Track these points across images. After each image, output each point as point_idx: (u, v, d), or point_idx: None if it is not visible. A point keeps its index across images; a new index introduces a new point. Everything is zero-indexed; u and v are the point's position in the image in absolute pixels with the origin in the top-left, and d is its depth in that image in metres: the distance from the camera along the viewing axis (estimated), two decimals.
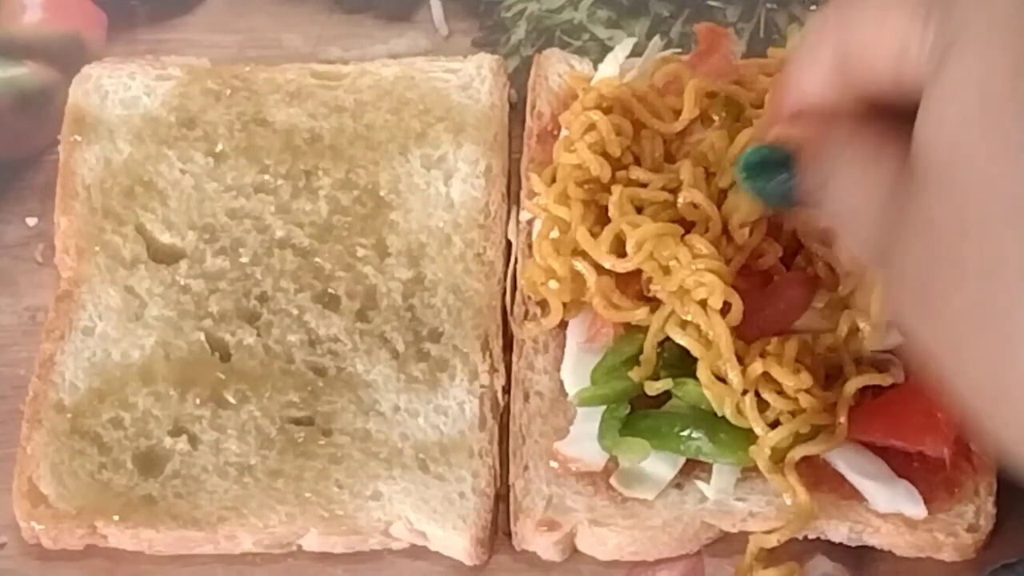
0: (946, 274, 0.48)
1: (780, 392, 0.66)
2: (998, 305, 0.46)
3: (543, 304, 0.71)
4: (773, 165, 0.58)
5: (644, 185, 0.70)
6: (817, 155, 0.56)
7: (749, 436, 0.66)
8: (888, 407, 0.66)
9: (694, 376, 0.66)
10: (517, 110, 0.78)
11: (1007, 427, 0.47)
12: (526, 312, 0.72)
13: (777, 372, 0.65)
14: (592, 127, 0.71)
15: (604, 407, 0.68)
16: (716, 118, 0.72)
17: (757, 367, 0.65)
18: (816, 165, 0.56)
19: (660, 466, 0.67)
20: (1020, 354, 0.45)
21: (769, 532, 0.66)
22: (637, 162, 0.71)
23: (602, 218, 0.69)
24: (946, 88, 0.49)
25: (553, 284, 0.70)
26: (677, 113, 0.72)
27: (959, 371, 0.49)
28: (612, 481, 0.67)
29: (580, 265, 0.69)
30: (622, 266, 0.68)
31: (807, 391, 0.65)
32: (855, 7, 0.55)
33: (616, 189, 0.69)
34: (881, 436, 0.66)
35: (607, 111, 0.71)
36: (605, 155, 0.70)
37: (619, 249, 0.68)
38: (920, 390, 0.65)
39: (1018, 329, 0.45)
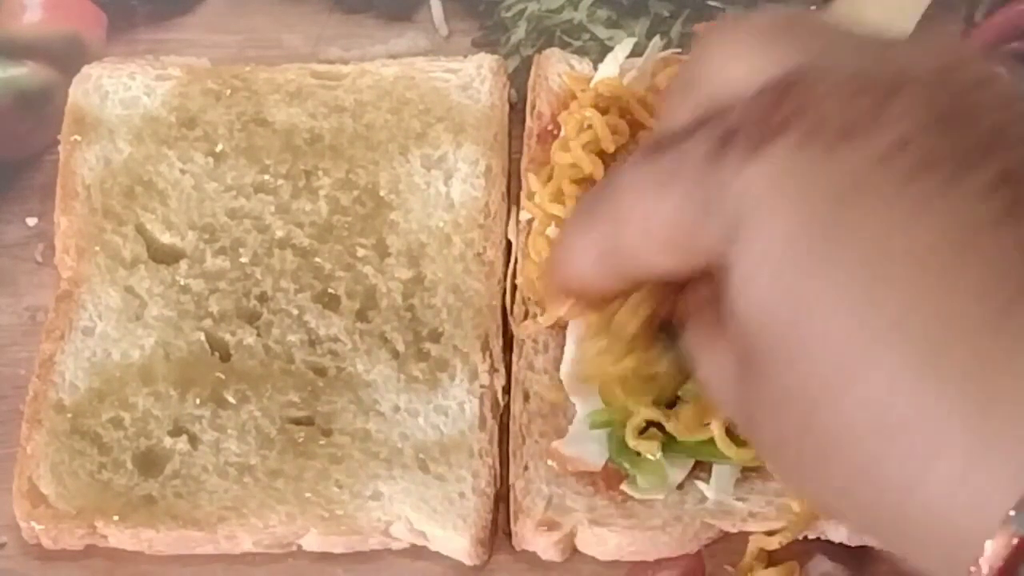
0: (802, 455, 0.47)
1: None
2: (863, 479, 0.45)
3: (542, 303, 0.71)
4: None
5: None
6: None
7: None
8: None
9: None
10: (517, 110, 0.78)
11: (915, 559, 0.46)
12: (526, 312, 0.72)
13: None
14: (587, 126, 0.71)
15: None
16: None
17: None
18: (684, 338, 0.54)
19: (672, 468, 0.67)
20: (915, 498, 0.44)
21: (770, 533, 0.66)
22: None
23: None
24: (740, 279, 0.47)
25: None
26: None
27: (853, 521, 0.49)
28: (623, 487, 0.67)
29: None
30: None
31: None
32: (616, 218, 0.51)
33: None
34: None
35: (604, 111, 0.71)
36: (601, 154, 0.70)
37: None
38: None
39: (911, 483, 0.44)
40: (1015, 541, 0.42)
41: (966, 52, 0.49)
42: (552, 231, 0.70)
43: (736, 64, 0.50)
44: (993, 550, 0.42)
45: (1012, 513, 0.42)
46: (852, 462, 0.45)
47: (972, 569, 0.43)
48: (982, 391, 0.43)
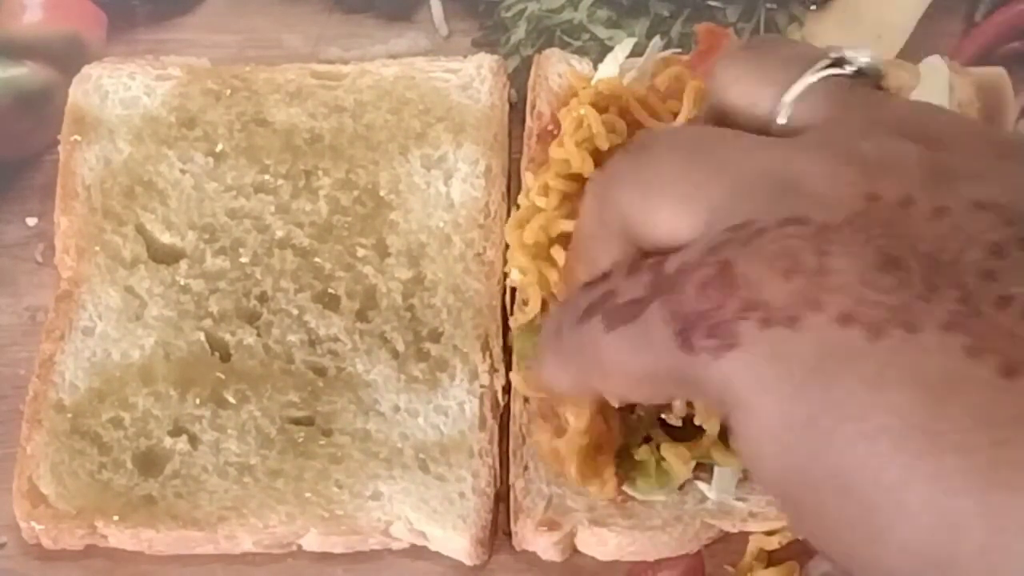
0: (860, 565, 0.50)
1: None
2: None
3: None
4: None
5: None
6: None
7: None
8: None
9: None
10: (517, 110, 0.78)
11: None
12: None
13: None
14: (582, 123, 0.71)
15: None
16: None
17: None
18: None
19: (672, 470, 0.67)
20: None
21: (770, 533, 0.66)
22: None
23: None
24: (748, 443, 0.50)
25: (515, 274, 0.70)
26: (676, 115, 0.72)
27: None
28: (625, 488, 0.67)
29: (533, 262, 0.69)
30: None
31: None
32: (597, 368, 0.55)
33: None
34: None
35: (603, 109, 0.71)
36: (595, 152, 0.70)
37: None
38: None
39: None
40: None
41: (857, 169, 0.51)
42: (537, 223, 0.70)
43: (659, 212, 0.54)
44: None
45: None
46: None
47: None
48: (995, 531, 0.45)
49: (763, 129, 0.55)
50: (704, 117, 0.59)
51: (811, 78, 0.55)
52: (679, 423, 0.66)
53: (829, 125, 0.54)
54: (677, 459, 0.66)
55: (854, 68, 0.56)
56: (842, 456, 0.47)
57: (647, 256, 0.54)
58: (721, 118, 0.57)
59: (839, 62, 0.56)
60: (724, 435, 0.66)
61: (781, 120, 0.55)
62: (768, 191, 0.51)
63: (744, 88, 0.57)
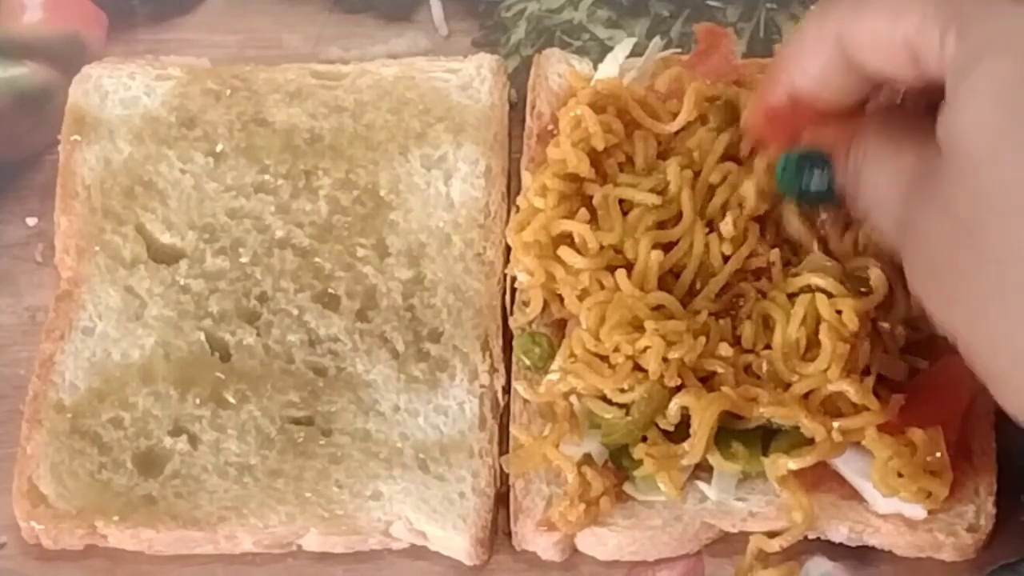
0: (964, 259, 0.55)
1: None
2: (1011, 289, 0.54)
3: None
4: (808, 164, 0.64)
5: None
6: (848, 150, 0.62)
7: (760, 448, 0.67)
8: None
9: None
10: (517, 110, 0.78)
11: (1019, 392, 0.55)
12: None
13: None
14: (579, 123, 0.71)
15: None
16: (711, 119, 0.72)
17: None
18: (848, 159, 0.62)
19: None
20: None
21: (770, 535, 0.66)
22: (630, 162, 0.71)
23: (584, 211, 0.69)
24: (975, 95, 0.55)
25: (522, 277, 0.70)
26: (675, 115, 0.72)
27: (975, 343, 0.56)
28: (625, 488, 0.67)
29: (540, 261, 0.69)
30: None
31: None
32: (865, 4, 0.60)
33: (596, 188, 0.70)
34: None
35: (602, 110, 0.71)
36: (592, 152, 0.70)
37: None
38: (929, 391, 0.66)
39: None
40: None
41: None
42: (537, 223, 0.70)
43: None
44: None
45: None
46: (1006, 278, 0.54)
47: None
48: None
49: None
50: None
51: None
52: (671, 428, 0.66)
53: None
54: (670, 484, 0.66)
55: None
56: None
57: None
58: None
59: None
60: (720, 439, 0.66)
61: None
62: None
63: None
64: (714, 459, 0.66)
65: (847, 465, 0.67)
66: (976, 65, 0.55)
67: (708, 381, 0.67)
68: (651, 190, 0.70)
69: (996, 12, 0.56)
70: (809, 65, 0.62)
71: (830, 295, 0.67)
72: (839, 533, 0.67)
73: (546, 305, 0.70)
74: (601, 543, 0.68)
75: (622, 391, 0.66)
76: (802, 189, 0.65)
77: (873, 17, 0.59)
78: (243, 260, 0.74)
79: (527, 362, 0.70)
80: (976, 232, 0.54)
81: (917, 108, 0.61)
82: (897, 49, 0.59)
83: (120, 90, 0.78)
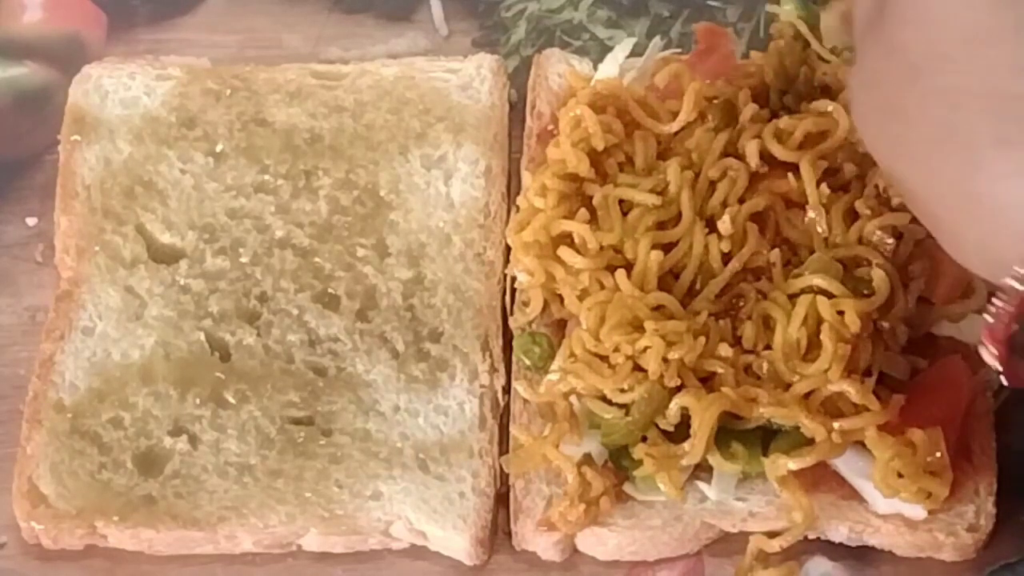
0: (911, 99, 0.54)
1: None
2: (960, 130, 0.53)
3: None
4: None
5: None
6: None
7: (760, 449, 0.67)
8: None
9: None
10: (517, 110, 0.78)
11: (970, 240, 0.53)
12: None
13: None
14: (579, 123, 0.71)
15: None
16: (711, 118, 0.72)
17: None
18: None
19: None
20: (982, 173, 0.52)
21: (770, 535, 0.66)
22: (630, 162, 0.71)
23: (584, 211, 0.69)
24: None
25: (522, 277, 0.70)
26: (675, 115, 0.72)
27: (926, 190, 0.55)
28: (625, 488, 0.67)
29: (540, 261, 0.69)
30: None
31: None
32: None
33: (596, 188, 0.70)
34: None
35: (602, 110, 0.71)
36: (592, 152, 0.70)
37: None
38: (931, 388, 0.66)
39: (979, 151, 0.52)
40: None
41: None
42: (537, 223, 0.70)
43: None
44: None
45: None
46: (945, 118, 0.52)
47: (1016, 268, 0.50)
48: None
49: None
50: None
51: None
52: (671, 428, 0.66)
53: None
54: (670, 484, 0.66)
55: None
56: None
57: None
58: None
59: None
60: (720, 440, 0.66)
61: None
62: None
63: None
64: (714, 459, 0.66)
65: (847, 465, 0.67)
66: None
67: (708, 381, 0.67)
68: (651, 190, 0.70)
69: None
70: None
71: (831, 296, 0.67)
72: (839, 533, 0.67)
73: (546, 305, 0.70)
74: (601, 543, 0.68)
75: (622, 391, 0.66)
76: None
77: None
78: (243, 260, 0.74)
79: (527, 362, 0.70)
80: (925, 71, 0.54)
81: None
82: None
83: (120, 90, 0.78)
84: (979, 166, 0.52)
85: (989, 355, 0.54)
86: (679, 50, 0.77)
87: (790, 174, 0.70)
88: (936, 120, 0.53)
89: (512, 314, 0.72)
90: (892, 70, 0.55)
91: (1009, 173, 0.51)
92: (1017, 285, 0.51)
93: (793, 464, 0.66)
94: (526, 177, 0.72)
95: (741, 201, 0.70)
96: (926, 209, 0.56)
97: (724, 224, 0.69)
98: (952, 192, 0.54)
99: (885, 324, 0.68)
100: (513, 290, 0.72)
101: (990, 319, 0.53)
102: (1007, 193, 0.51)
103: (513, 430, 0.69)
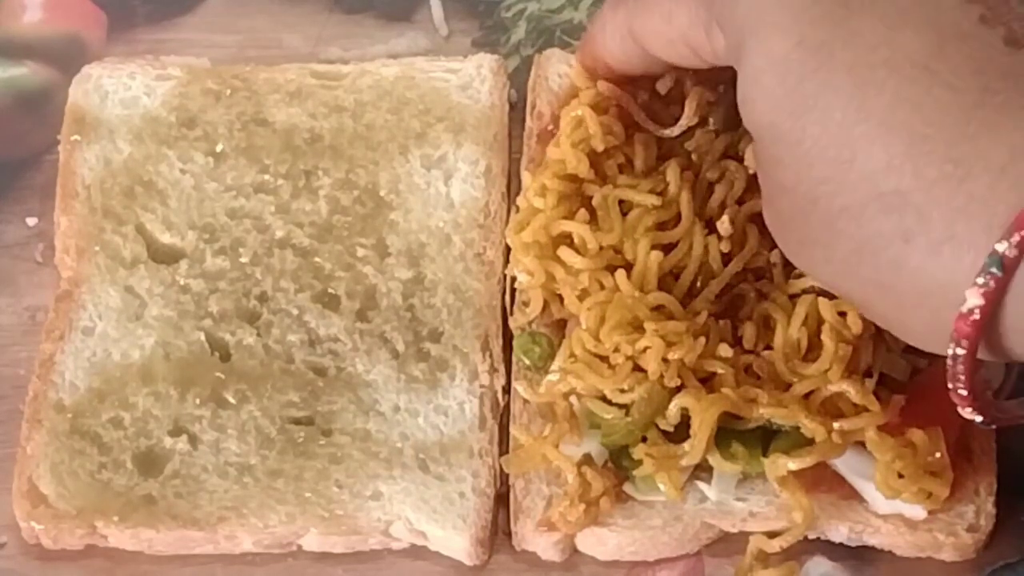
0: (819, 228, 0.57)
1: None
2: (871, 240, 0.55)
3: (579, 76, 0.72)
4: None
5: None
6: None
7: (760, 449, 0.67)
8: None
9: None
10: (517, 110, 0.78)
11: (917, 329, 0.56)
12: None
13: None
14: (580, 124, 0.71)
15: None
16: (711, 121, 0.72)
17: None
18: None
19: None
20: (904, 271, 0.54)
21: (770, 535, 0.66)
22: (630, 163, 0.71)
23: (583, 212, 0.69)
24: (749, 80, 0.57)
25: (522, 278, 0.70)
26: (676, 119, 0.72)
27: (863, 296, 0.58)
28: (625, 488, 0.67)
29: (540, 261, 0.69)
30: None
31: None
32: (645, 3, 0.64)
33: (596, 189, 0.70)
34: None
35: (603, 111, 0.71)
36: (592, 153, 0.70)
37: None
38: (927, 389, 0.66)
39: (894, 252, 0.54)
40: (991, 284, 0.51)
41: None
42: (537, 223, 0.70)
43: None
44: (972, 297, 0.52)
45: (985, 261, 0.51)
46: (853, 234, 0.55)
47: (956, 322, 0.52)
48: (960, 165, 0.51)
49: None
50: None
51: None
52: (671, 428, 0.66)
53: None
54: (670, 484, 0.66)
55: None
56: (837, 79, 0.54)
57: None
58: None
59: None
60: (720, 440, 0.66)
61: None
62: None
63: None
64: (714, 459, 0.66)
65: (847, 465, 0.67)
66: (742, 52, 0.57)
67: (708, 382, 0.67)
68: (650, 191, 0.70)
69: None
70: (612, 47, 0.67)
71: (832, 297, 0.67)
72: (839, 533, 0.67)
73: (546, 305, 0.70)
74: (601, 543, 0.68)
75: (622, 391, 0.66)
76: None
77: (652, 16, 0.63)
78: (243, 260, 0.74)
79: (527, 362, 0.70)
80: (817, 199, 0.56)
81: None
82: (679, 45, 0.63)
83: (120, 90, 0.78)
84: (900, 265, 0.54)
85: (964, 411, 0.58)
86: None
87: None
88: (847, 238, 0.56)
89: (512, 314, 0.72)
90: (792, 206, 0.57)
91: (926, 262, 0.53)
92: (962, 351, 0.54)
93: (793, 464, 0.66)
94: (526, 177, 0.72)
95: (741, 202, 0.70)
96: (869, 311, 0.60)
97: (723, 225, 0.69)
98: (886, 294, 0.56)
99: None
100: (513, 290, 0.72)
101: (953, 384, 0.56)
102: (933, 278, 0.53)
103: (513, 430, 0.69)
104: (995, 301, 0.52)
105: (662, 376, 0.66)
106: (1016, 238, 0.50)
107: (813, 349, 0.66)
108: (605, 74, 0.70)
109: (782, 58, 0.56)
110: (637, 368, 0.66)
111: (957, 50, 0.53)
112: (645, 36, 0.65)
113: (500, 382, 0.71)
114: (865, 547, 0.68)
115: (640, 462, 0.66)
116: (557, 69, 0.78)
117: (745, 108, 0.58)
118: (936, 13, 0.54)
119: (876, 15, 0.54)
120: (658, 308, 0.67)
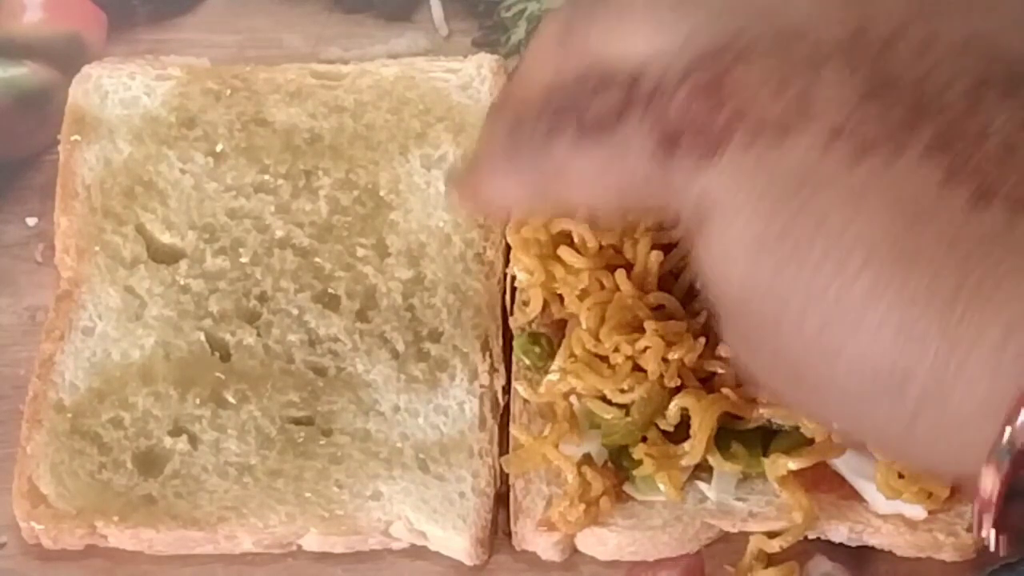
0: (804, 398, 0.54)
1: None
2: (852, 384, 0.51)
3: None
4: None
5: None
6: None
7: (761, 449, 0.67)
8: None
9: None
10: None
11: (934, 460, 0.52)
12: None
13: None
14: None
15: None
16: None
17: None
18: None
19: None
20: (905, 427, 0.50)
21: (770, 535, 0.66)
22: None
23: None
24: (718, 260, 0.52)
25: (522, 276, 0.70)
26: None
27: (859, 429, 0.55)
28: (625, 488, 0.67)
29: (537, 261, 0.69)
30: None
31: None
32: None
33: None
34: None
35: None
36: None
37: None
38: None
39: (888, 398, 0.50)
40: (1006, 465, 0.47)
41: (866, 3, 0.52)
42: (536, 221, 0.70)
43: (633, 37, 0.54)
44: (987, 478, 0.48)
45: (998, 443, 0.47)
46: (855, 413, 0.51)
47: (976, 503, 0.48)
48: (956, 346, 0.48)
49: None
50: None
51: None
52: (671, 429, 0.66)
53: None
54: (670, 484, 0.66)
55: None
56: (811, 271, 0.50)
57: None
58: None
59: None
60: (720, 440, 0.66)
61: None
62: (755, 9, 0.52)
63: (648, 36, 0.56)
64: (714, 459, 0.66)
65: (847, 465, 0.67)
66: (704, 230, 0.53)
67: (708, 382, 0.67)
68: None
69: (710, 180, 0.52)
70: (515, 197, 0.60)
71: None
72: (839, 533, 0.67)
73: (546, 305, 0.70)
74: (601, 543, 0.68)
75: (622, 391, 0.66)
76: None
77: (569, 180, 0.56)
78: (243, 260, 0.74)
79: (527, 362, 0.70)
80: (788, 378, 0.53)
81: None
82: (612, 196, 0.57)
83: (120, 90, 0.78)
84: (907, 440, 0.51)
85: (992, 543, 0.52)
86: None
87: None
88: (849, 414, 0.52)
89: (512, 314, 0.72)
90: (781, 379, 0.54)
91: (935, 438, 0.50)
92: (995, 473, 0.49)
93: (793, 464, 0.66)
94: None
95: None
96: (872, 444, 0.58)
97: None
98: (894, 452, 0.55)
99: None
100: (513, 290, 0.72)
101: (977, 516, 0.51)
102: (945, 454, 0.50)
103: (513, 430, 0.69)
104: (1011, 478, 0.48)
105: (662, 376, 0.66)
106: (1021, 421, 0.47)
107: None
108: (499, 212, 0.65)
109: (754, 245, 0.51)
110: (637, 368, 0.66)
111: (926, 225, 0.48)
112: (561, 199, 0.58)
113: (500, 382, 0.71)
114: (865, 547, 0.68)
115: (640, 462, 0.66)
116: None
117: (716, 286, 0.53)
118: (896, 185, 0.49)
119: (835, 195, 0.49)
120: (658, 308, 0.67)
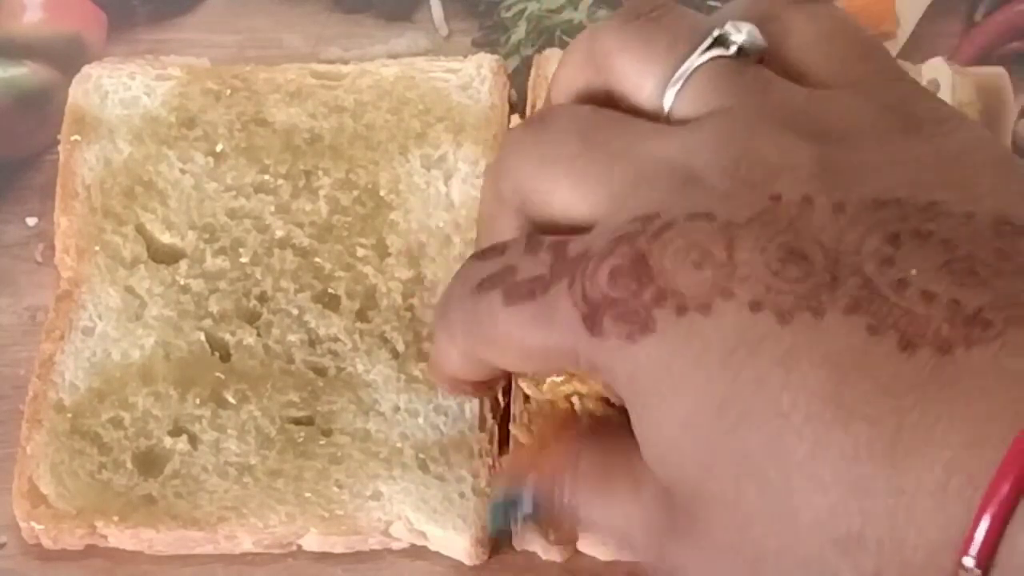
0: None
1: None
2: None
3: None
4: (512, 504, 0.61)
5: None
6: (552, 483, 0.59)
7: None
8: None
9: None
10: (517, 110, 0.79)
11: None
12: None
13: None
14: None
15: None
16: None
17: None
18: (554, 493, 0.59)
19: None
20: None
21: None
22: None
23: None
24: (657, 440, 0.52)
25: None
26: None
27: None
28: None
29: None
30: None
31: None
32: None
33: None
34: None
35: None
36: None
37: None
38: None
39: None
40: None
41: (757, 169, 0.53)
42: None
43: (552, 193, 0.56)
44: None
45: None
46: None
47: None
48: (902, 494, 0.48)
49: (651, 112, 0.57)
50: (584, 92, 0.59)
51: (697, 60, 0.56)
52: None
53: (722, 119, 0.55)
54: None
55: (736, 46, 0.56)
56: (753, 436, 0.50)
57: (543, 233, 0.56)
58: (604, 95, 0.59)
59: (722, 40, 0.56)
60: None
61: (667, 106, 0.57)
62: (671, 182, 0.53)
63: (628, 64, 0.58)
64: None
65: None
66: (639, 409, 0.53)
67: None
68: None
69: (637, 358, 0.52)
70: (465, 372, 0.62)
71: None
72: None
73: None
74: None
75: None
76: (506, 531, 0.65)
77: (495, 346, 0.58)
78: (243, 260, 0.74)
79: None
80: (745, 560, 0.52)
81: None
82: (536, 365, 0.59)
83: (120, 90, 0.78)
84: None
85: None
86: None
87: None
88: (794, 552, 0.51)
89: None
90: (734, 566, 0.52)
91: None
92: None
93: None
94: None
95: None
96: None
97: None
98: None
99: None
100: None
101: None
102: None
103: (513, 430, 0.69)
104: None
105: None
106: (975, 550, 0.47)
107: None
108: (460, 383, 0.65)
109: (691, 421, 0.51)
110: None
111: (859, 376, 0.49)
112: (496, 363, 0.59)
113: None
114: None
115: None
116: None
117: (659, 467, 0.53)
118: (824, 337, 0.49)
119: (768, 357, 0.49)
120: None
